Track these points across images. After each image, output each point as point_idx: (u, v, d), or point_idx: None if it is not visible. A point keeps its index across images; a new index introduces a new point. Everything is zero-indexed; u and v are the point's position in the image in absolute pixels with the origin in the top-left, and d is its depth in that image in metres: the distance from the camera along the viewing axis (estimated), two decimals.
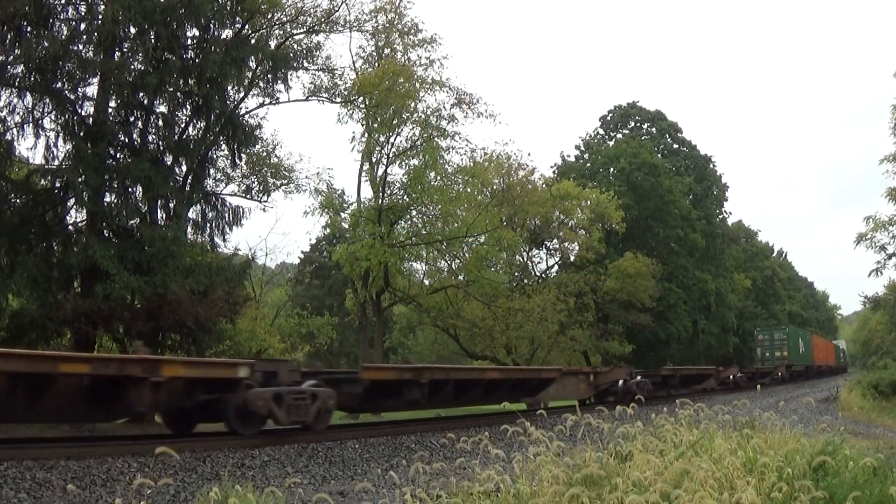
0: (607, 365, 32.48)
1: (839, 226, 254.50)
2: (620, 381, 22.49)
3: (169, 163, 21.38)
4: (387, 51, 30.97)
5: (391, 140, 30.27)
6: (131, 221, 20.35)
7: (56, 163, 20.20)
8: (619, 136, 52.40)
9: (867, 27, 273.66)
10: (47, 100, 19.66)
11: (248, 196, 26.13)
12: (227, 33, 22.84)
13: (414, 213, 31.86)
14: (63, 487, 8.25)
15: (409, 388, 14.17)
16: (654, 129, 53.61)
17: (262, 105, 25.69)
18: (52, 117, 20.00)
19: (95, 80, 20.04)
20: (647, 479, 5.02)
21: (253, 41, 23.64)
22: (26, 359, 8.93)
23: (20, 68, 19.11)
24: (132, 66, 20.18)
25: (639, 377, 23.97)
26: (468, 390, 15.85)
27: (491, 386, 16.21)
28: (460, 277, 33.35)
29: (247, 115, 24.46)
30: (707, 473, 4.97)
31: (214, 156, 23.63)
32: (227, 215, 22.85)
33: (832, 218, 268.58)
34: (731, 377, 35.04)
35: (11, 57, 18.88)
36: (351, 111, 29.95)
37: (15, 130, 19.71)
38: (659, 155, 50.34)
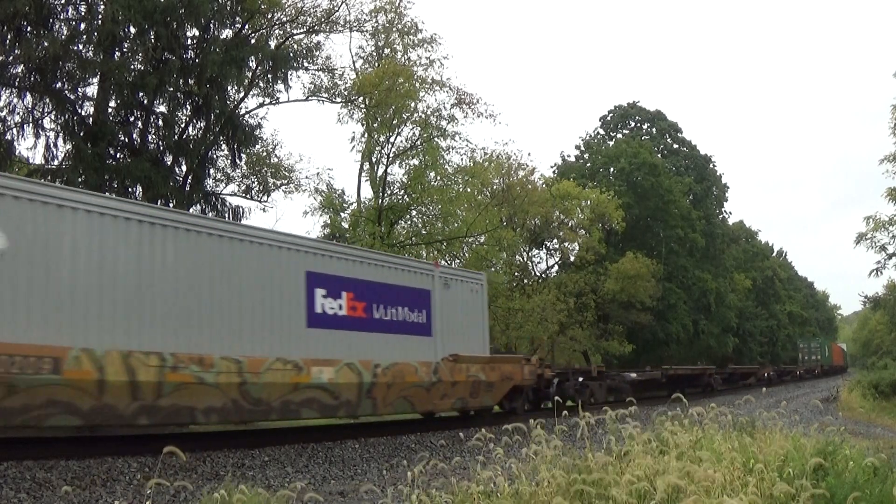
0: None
1: (840, 226, 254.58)
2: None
3: (169, 163, 21.39)
4: (387, 51, 30.97)
5: (391, 140, 30.27)
6: None
7: (56, 163, 20.20)
8: (619, 136, 52.33)
9: (871, 25, 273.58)
10: (47, 100, 19.66)
11: (248, 196, 26.14)
12: (227, 33, 22.86)
13: (414, 213, 31.86)
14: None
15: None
16: (654, 129, 53.55)
17: (262, 105, 25.72)
18: (52, 117, 20.01)
19: (95, 80, 20.05)
20: (647, 479, 5.02)
21: (253, 41, 23.65)
22: None
23: (20, 68, 19.11)
24: (132, 66, 20.18)
25: (580, 377, 21.83)
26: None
27: None
28: None
29: (247, 115, 24.47)
30: (707, 474, 4.97)
31: (214, 156, 23.64)
32: (227, 215, 22.84)
33: (833, 218, 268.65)
34: (767, 374, 45.10)
35: (11, 57, 18.88)
36: (351, 111, 29.97)
37: (15, 130, 19.72)
38: (659, 155, 50.26)
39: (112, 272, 10.05)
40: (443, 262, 32.64)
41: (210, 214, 22.19)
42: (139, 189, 20.25)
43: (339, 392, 13.06)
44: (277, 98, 25.56)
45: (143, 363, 10.10)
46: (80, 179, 18.58)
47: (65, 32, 19.51)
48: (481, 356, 16.86)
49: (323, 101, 28.59)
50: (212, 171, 23.75)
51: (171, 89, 20.58)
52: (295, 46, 26.16)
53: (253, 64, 23.31)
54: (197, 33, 21.54)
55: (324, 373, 12.64)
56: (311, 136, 79.37)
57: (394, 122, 29.32)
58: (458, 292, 16.57)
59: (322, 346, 12.83)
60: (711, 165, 56.19)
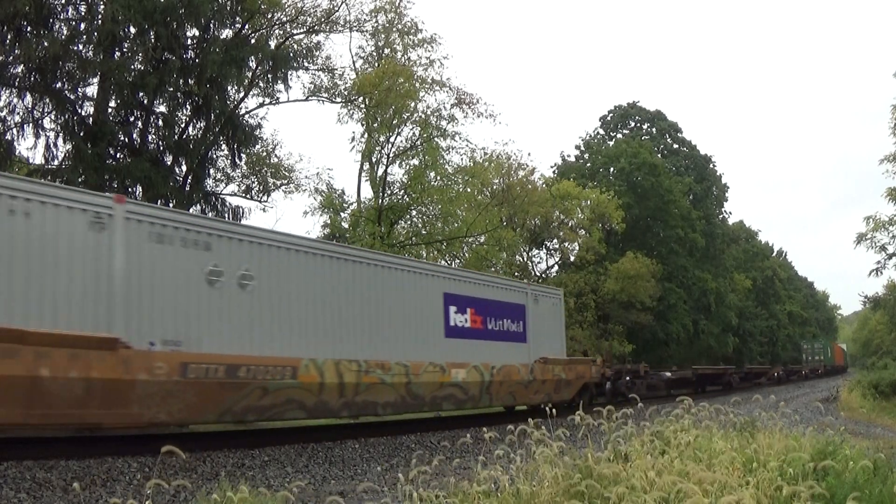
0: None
1: (840, 226, 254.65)
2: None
3: (169, 163, 21.39)
4: (387, 51, 30.98)
5: (391, 140, 30.29)
6: None
7: (56, 163, 20.21)
8: (619, 136, 52.34)
9: (873, 25, 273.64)
10: (47, 100, 19.66)
11: (248, 196, 26.14)
12: (227, 33, 22.86)
13: (414, 213, 31.87)
14: (63, 487, 8.25)
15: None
16: (654, 129, 53.56)
17: (262, 105, 25.73)
18: (52, 117, 20.01)
19: (95, 80, 20.06)
20: (648, 479, 5.02)
21: (253, 41, 23.65)
22: None
23: (20, 68, 19.12)
24: (132, 66, 20.18)
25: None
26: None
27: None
28: None
29: (247, 115, 24.48)
30: (707, 474, 4.97)
31: (214, 156, 23.64)
32: (227, 215, 22.84)
33: (834, 218, 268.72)
34: (776, 374, 48.27)
35: (11, 57, 18.88)
36: (351, 111, 29.99)
37: (15, 130, 19.73)
38: (659, 155, 50.27)
39: (322, 299, 13.10)
40: (442, 262, 32.67)
41: (210, 214, 22.21)
42: (139, 189, 20.25)
43: (469, 389, 16.44)
44: (277, 98, 25.59)
45: (348, 368, 13.21)
46: (80, 179, 18.59)
47: (65, 32, 19.52)
48: (562, 358, 20.44)
49: (323, 101, 28.62)
50: (212, 171, 23.78)
51: (171, 89, 20.58)
52: (295, 46, 26.17)
53: (253, 64, 23.32)
54: (197, 33, 21.55)
55: (459, 373, 16.06)
56: (311, 136, 79.35)
57: (394, 122, 29.33)
58: (544, 306, 20.04)
59: (456, 352, 16.19)
60: (711, 165, 56.21)
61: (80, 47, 19.55)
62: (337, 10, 27.72)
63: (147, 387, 10.04)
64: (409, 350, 14.77)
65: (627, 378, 25.31)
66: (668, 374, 30.88)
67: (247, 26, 23.94)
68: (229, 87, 22.75)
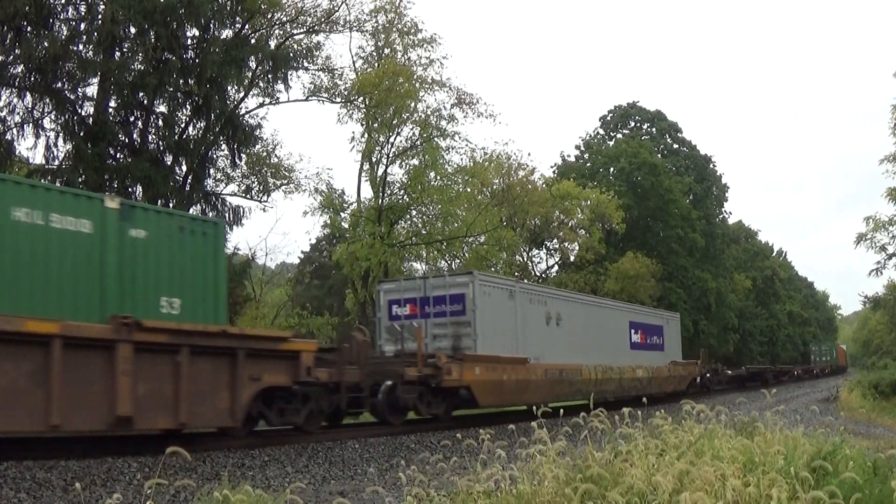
0: None
1: (840, 226, 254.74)
2: None
3: (169, 163, 21.40)
4: (387, 51, 30.96)
5: (391, 140, 30.27)
6: None
7: (56, 163, 20.22)
8: (619, 136, 52.33)
9: (874, 24, 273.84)
10: (47, 100, 19.67)
11: (248, 196, 26.17)
12: (227, 33, 22.88)
13: (414, 213, 31.86)
14: (63, 487, 8.25)
15: None
16: (654, 129, 53.54)
17: (262, 105, 25.76)
18: (52, 117, 20.03)
19: (95, 80, 20.07)
20: (647, 479, 5.02)
21: (253, 41, 23.66)
22: None
23: (20, 68, 19.13)
24: (132, 66, 20.19)
25: None
26: None
27: None
28: None
29: (247, 115, 24.51)
30: (707, 474, 4.97)
31: (214, 156, 23.67)
32: (227, 215, 22.86)
33: (834, 218, 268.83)
34: (797, 372, 58.09)
35: (11, 57, 18.89)
36: (351, 111, 29.98)
37: (15, 130, 19.75)
38: (659, 155, 50.27)
39: (586, 329, 22.19)
40: (442, 262, 32.70)
41: (210, 214, 22.24)
42: (139, 189, 20.26)
43: (643, 381, 24.54)
44: (277, 98, 25.61)
45: (598, 370, 21.74)
46: (80, 179, 18.59)
47: (65, 32, 19.53)
48: (684, 361, 30.05)
49: (323, 101, 28.64)
50: (212, 170, 23.82)
51: (171, 89, 20.59)
52: (295, 46, 26.19)
53: (253, 64, 23.32)
54: (197, 33, 21.56)
55: (638, 372, 24.61)
56: (311, 136, 79.50)
57: (394, 121, 29.32)
58: (672, 326, 29.89)
59: (636, 359, 24.98)
60: (711, 165, 56.18)
61: (80, 47, 19.57)
62: (337, 10, 27.77)
63: (536, 383, 18.72)
64: (617, 358, 23.47)
65: (708, 375, 34.64)
66: (730, 371, 42.15)
67: (247, 26, 23.95)
68: (229, 87, 22.77)
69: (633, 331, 25.69)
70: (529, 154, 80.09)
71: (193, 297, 11.30)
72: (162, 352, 10.11)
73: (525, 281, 26.74)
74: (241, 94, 24.40)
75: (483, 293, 17.70)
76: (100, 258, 10.05)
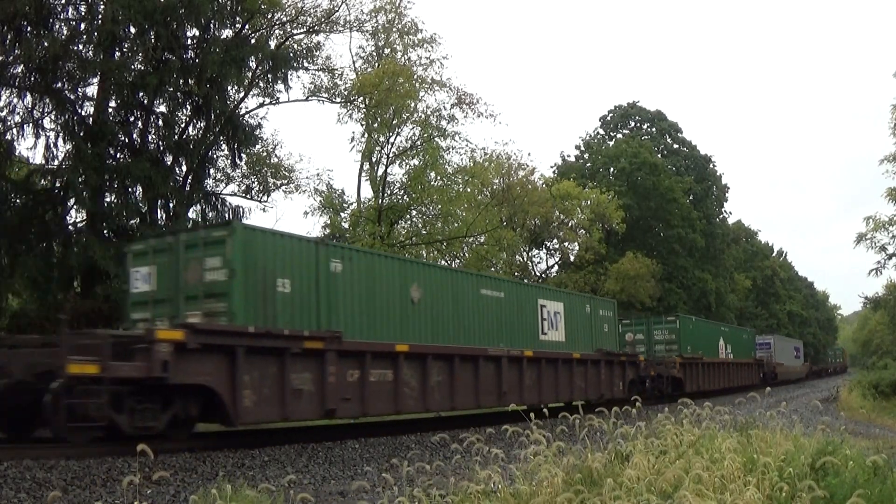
0: None
1: (840, 226, 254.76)
2: None
3: (169, 163, 21.37)
4: (387, 51, 30.98)
5: (391, 140, 30.29)
6: (131, 221, 20.34)
7: (56, 163, 20.21)
8: (620, 136, 52.37)
9: (877, 24, 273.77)
10: (47, 100, 19.65)
11: (248, 196, 26.14)
12: (227, 33, 22.84)
13: (414, 213, 31.86)
14: (63, 488, 8.25)
15: None
16: (654, 129, 53.56)
17: (262, 105, 25.74)
18: (52, 117, 20.00)
19: (95, 80, 20.04)
20: (646, 478, 5.02)
21: (253, 41, 23.63)
22: None
23: (20, 68, 19.11)
24: (132, 66, 20.17)
25: None
26: None
27: None
28: None
29: (247, 115, 24.47)
30: (707, 474, 4.97)
31: (214, 156, 23.63)
32: (227, 215, 22.81)
33: (834, 218, 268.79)
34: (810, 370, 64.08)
35: (11, 57, 18.88)
36: (351, 111, 29.99)
37: (15, 130, 19.73)
38: (659, 155, 50.30)
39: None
40: (442, 262, 32.69)
41: (210, 215, 22.24)
42: (139, 189, 20.25)
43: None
44: (277, 98, 25.59)
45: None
46: (80, 179, 18.58)
47: (65, 32, 19.51)
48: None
49: (323, 101, 28.64)
50: (212, 171, 23.77)
51: (171, 89, 20.57)
52: (295, 46, 26.18)
53: (253, 64, 23.30)
54: (197, 33, 21.53)
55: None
56: (311, 136, 79.46)
57: (394, 122, 29.33)
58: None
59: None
60: (711, 165, 56.19)
61: (80, 47, 19.55)
62: (337, 10, 27.77)
63: None
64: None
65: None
66: None
67: (247, 26, 23.93)
68: (229, 87, 22.74)
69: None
70: (529, 154, 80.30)
71: None
72: None
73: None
74: (241, 94, 24.39)
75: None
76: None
